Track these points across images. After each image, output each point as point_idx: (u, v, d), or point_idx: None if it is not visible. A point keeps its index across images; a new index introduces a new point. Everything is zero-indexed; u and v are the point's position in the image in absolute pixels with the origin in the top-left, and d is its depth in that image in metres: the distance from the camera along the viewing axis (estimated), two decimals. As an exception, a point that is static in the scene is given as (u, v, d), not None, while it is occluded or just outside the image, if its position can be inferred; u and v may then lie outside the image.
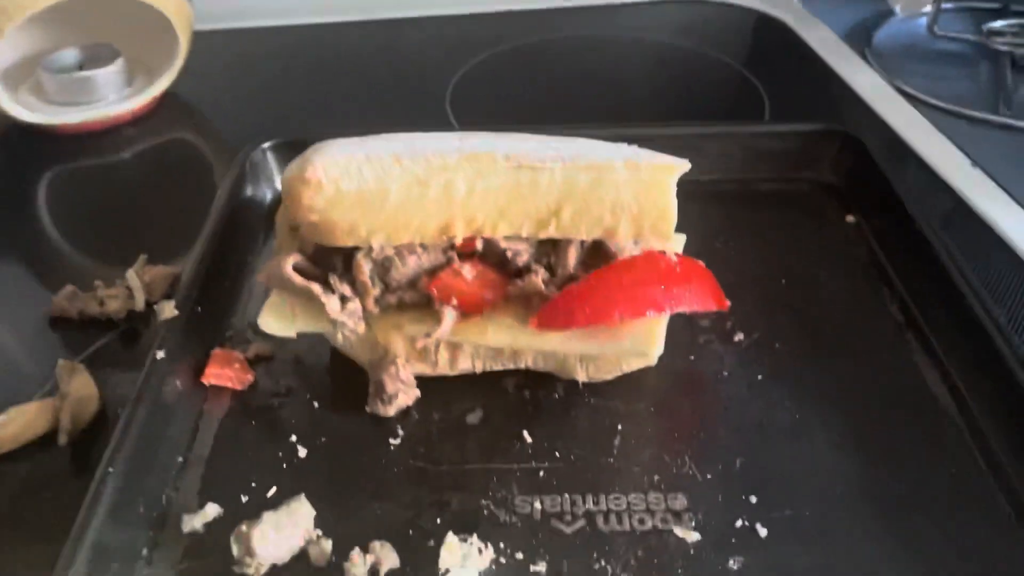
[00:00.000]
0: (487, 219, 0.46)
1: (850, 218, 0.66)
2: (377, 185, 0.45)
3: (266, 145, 0.68)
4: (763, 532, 0.44)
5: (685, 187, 0.49)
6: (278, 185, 0.69)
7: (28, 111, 0.77)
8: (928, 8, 0.92)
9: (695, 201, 0.52)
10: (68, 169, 0.77)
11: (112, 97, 0.80)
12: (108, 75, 0.80)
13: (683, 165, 0.47)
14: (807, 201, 0.68)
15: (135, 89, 0.82)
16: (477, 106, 0.86)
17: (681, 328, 0.54)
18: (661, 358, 0.52)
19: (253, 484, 0.47)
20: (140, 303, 0.58)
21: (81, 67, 0.81)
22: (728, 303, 0.52)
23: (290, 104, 0.88)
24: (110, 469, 0.43)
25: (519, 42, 0.97)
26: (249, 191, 0.67)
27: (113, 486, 0.43)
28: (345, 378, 0.53)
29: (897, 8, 0.94)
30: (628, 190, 0.46)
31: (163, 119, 0.84)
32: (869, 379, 0.53)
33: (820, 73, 0.90)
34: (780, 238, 0.65)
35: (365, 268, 0.48)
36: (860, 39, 0.95)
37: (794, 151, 0.70)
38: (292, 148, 0.68)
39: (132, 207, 0.73)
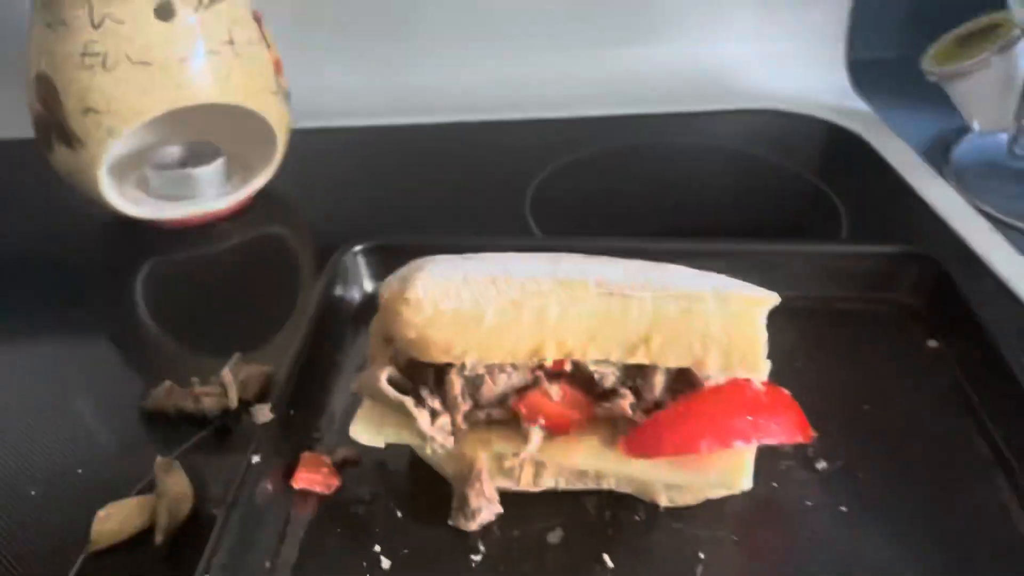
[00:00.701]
0: (577, 343, 0.48)
1: (932, 343, 0.66)
2: (473, 307, 0.47)
3: (356, 249, 0.71)
4: None
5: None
6: (366, 287, 0.72)
7: (133, 204, 0.82)
8: (1009, 127, 0.92)
9: (774, 318, 0.52)
10: (167, 261, 0.81)
11: (211, 193, 0.85)
12: (209, 172, 0.84)
13: (773, 299, 0.48)
14: (887, 323, 0.68)
15: (233, 186, 0.86)
16: (556, 210, 0.88)
17: (762, 453, 0.54)
18: (743, 482, 0.52)
19: (338, 596, 0.48)
20: (234, 402, 0.60)
21: (184, 164, 0.86)
22: (813, 434, 0.52)
23: (375, 203, 0.91)
24: (207, 575, 0.45)
25: (597, 148, 1.00)
26: (339, 291, 0.69)
27: (207, 592, 0.44)
28: (428, 488, 0.54)
29: (976, 125, 0.95)
30: (717, 322, 0.47)
31: (257, 215, 0.88)
32: (956, 517, 0.52)
33: (897, 188, 0.91)
34: (860, 360, 0.64)
35: (457, 385, 0.49)
36: (937, 155, 0.96)
37: (875, 272, 0.70)
38: (381, 252, 0.72)
39: (225, 301, 0.76)
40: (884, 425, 0.59)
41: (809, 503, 0.53)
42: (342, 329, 0.68)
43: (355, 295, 0.72)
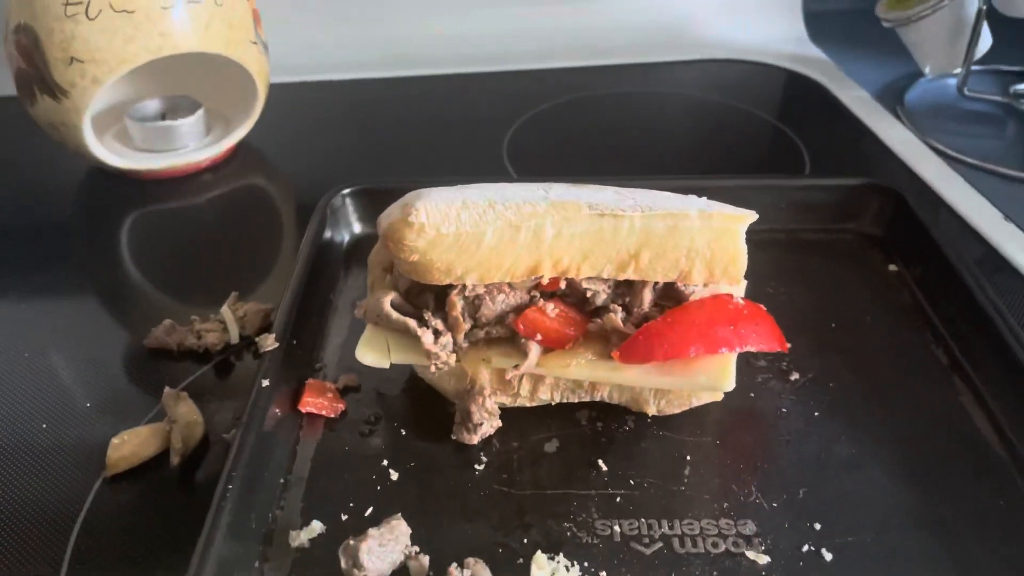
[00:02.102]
0: (572, 261, 0.51)
1: (892, 267, 0.70)
2: (473, 229, 0.50)
3: (345, 191, 0.73)
4: (828, 556, 0.47)
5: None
6: (355, 228, 0.74)
7: (115, 156, 0.82)
8: (958, 70, 0.97)
9: (747, 249, 0.56)
10: (151, 212, 0.83)
11: (192, 145, 0.86)
12: (189, 125, 0.85)
13: (751, 215, 0.51)
14: (851, 251, 0.73)
15: (213, 138, 0.87)
16: (532, 156, 0.91)
17: (741, 367, 0.58)
18: (724, 395, 0.56)
19: (351, 504, 0.51)
20: (235, 336, 0.63)
21: (163, 117, 0.87)
22: (788, 344, 0.56)
23: (356, 154, 0.93)
24: (229, 487, 0.47)
25: (570, 97, 1.03)
26: (329, 234, 0.71)
27: (231, 504, 0.47)
28: (427, 409, 0.58)
29: (927, 70, 0.99)
30: (702, 237, 0.50)
31: (239, 166, 0.89)
32: (919, 417, 0.57)
33: (854, 129, 0.95)
34: (827, 285, 0.69)
35: (458, 305, 0.52)
36: (892, 98, 1.00)
37: (838, 203, 0.74)
38: (368, 195, 0.74)
39: (211, 248, 0.78)
40: (851, 340, 0.63)
41: (784, 410, 0.57)
42: (334, 270, 0.70)
43: (344, 237, 0.74)
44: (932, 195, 0.82)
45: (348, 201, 0.74)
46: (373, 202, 0.74)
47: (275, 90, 0.92)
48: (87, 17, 0.71)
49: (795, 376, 0.60)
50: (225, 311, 0.64)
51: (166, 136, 0.85)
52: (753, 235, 0.56)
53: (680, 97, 1.05)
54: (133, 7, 0.72)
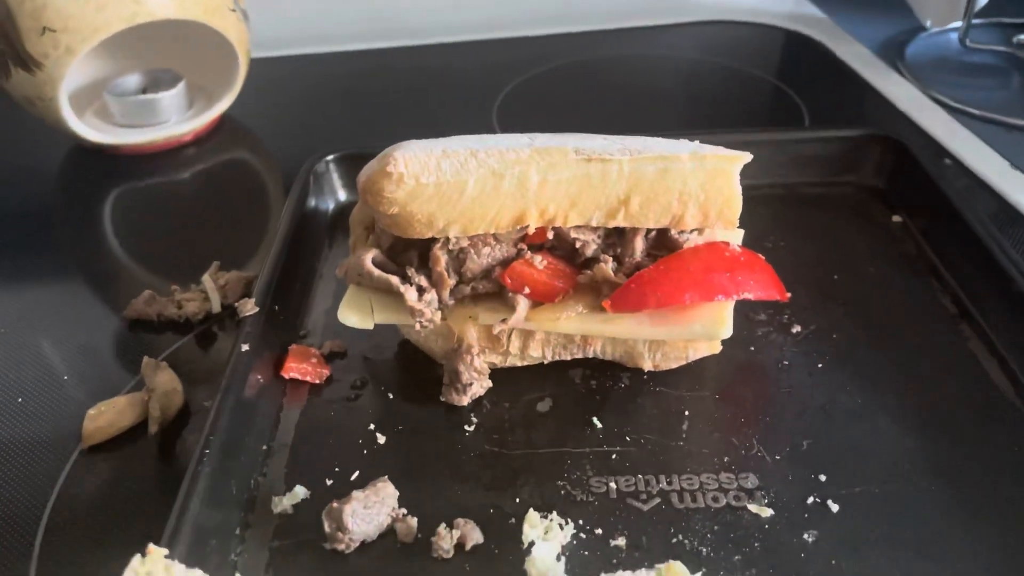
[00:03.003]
0: (559, 209, 0.48)
1: (896, 218, 0.68)
2: (455, 178, 0.48)
3: (329, 157, 0.71)
4: (835, 507, 0.45)
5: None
6: (340, 196, 0.72)
7: (94, 131, 0.80)
8: (959, 23, 0.94)
9: (744, 205, 0.54)
10: (133, 187, 0.80)
11: (174, 119, 0.84)
12: (170, 98, 0.83)
13: (745, 156, 0.49)
14: (853, 203, 0.70)
15: (195, 111, 0.85)
16: (522, 123, 0.88)
17: (740, 321, 0.56)
18: (722, 350, 0.54)
19: (336, 469, 0.49)
20: (216, 305, 0.61)
21: (144, 91, 0.84)
22: (788, 294, 0.54)
23: (342, 126, 0.90)
24: (207, 451, 0.45)
25: (559, 62, 1.00)
26: (312, 202, 0.69)
27: (209, 469, 0.45)
28: (415, 371, 0.56)
29: (928, 23, 0.97)
30: (694, 179, 0.48)
31: (221, 140, 0.87)
32: (927, 365, 0.54)
33: (855, 85, 0.93)
34: (829, 238, 0.66)
35: (442, 259, 0.50)
36: (892, 53, 0.98)
37: (838, 155, 0.72)
38: (353, 160, 0.72)
39: (195, 222, 0.76)
40: (854, 291, 0.61)
41: (786, 362, 0.55)
42: (319, 238, 0.68)
43: (329, 204, 0.72)
44: (936, 147, 0.79)
45: (332, 167, 0.71)
46: (358, 168, 0.70)
47: (258, 65, 0.89)
48: (58, -16, 0.69)
49: (797, 328, 0.57)
50: (206, 280, 0.62)
51: (147, 110, 0.83)
52: (752, 190, 0.54)
53: (676, 60, 1.03)
54: (105, -27, 0.70)
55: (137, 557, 0.35)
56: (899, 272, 0.62)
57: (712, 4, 1.12)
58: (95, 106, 0.85)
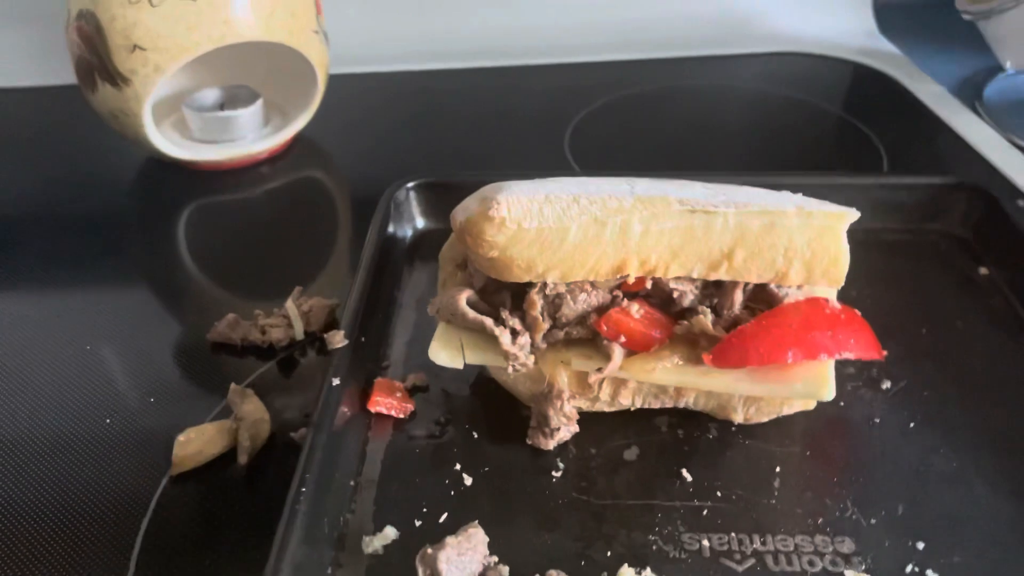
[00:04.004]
0: (660, 260, 0.48)
1: (983, 270, 0.67)
2: (556, 224, 0.47)
3: (409, 185, 0.71)
4: (934, 577, 0.45)
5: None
6: (418, 223, 0.72)
7: (174, 146, 0.81)
8: (1041, 64, 0.93)
9: None
10: (207, 203, 0.81)
11: (250, 136, 0.84)
12: (248, 115, 0.84)
13: (854, 213, 0.48)
14: (937, 253, 0.69)
15: (271, 129, 0.86)
16: (593, 149, 0.88)
17: (828, 374, 0.55)
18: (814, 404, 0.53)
19: (424, 510, 0.49)
20: (299, 332, 0.61)
21: (222, 107, 0.85)
22: (885, 353, 0.53)
23: (414, 147, 0.91)
24: (303, 489, 0.45)
25: (633, 90, 1.00)
26: (391, 229, 0.69)
27: (305, 506, 0.45)
28: (498, 411, 0.55)
29: (1008, 64, 0.95)
30: (801, 236, 0.47)
31: (296, 159, 0.88)
32: (1021, 426, 0.53)
33: (932, 125, 0.91)
34: (913, 288, 0.65)
35: (538, 304, 0.50)
36: (970, 94, 0.96)
37: (923, 203, 0.71)
38: (433, 189, 0.72)
39: (269, 240, 0.76)
40: (943, 346, 0.60)
41: (877, 420, 0.54)
42: (398, 265, 0.68)
43: (408, 232, 0.72)
44: (1015, 191, 0.78)
45: (412, 195, 0.72)
46: (437, 196, 0.72)
47: (332, 81, 0.90)
48: (150, 4, 0.70)
49: (887, 384, 0.56)
50: (290, 306, 0.62)
51: (224, 126, 0.83)
52: None
53: (746, 91, 1.02)
54: (196, -6, 0.71)
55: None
56: (988, 326, 0.61)
57: (784, 35, 1.11)
58: (172, 119, 0.86)
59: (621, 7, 1.11)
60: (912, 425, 0.54)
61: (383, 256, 0.65)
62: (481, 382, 0.58)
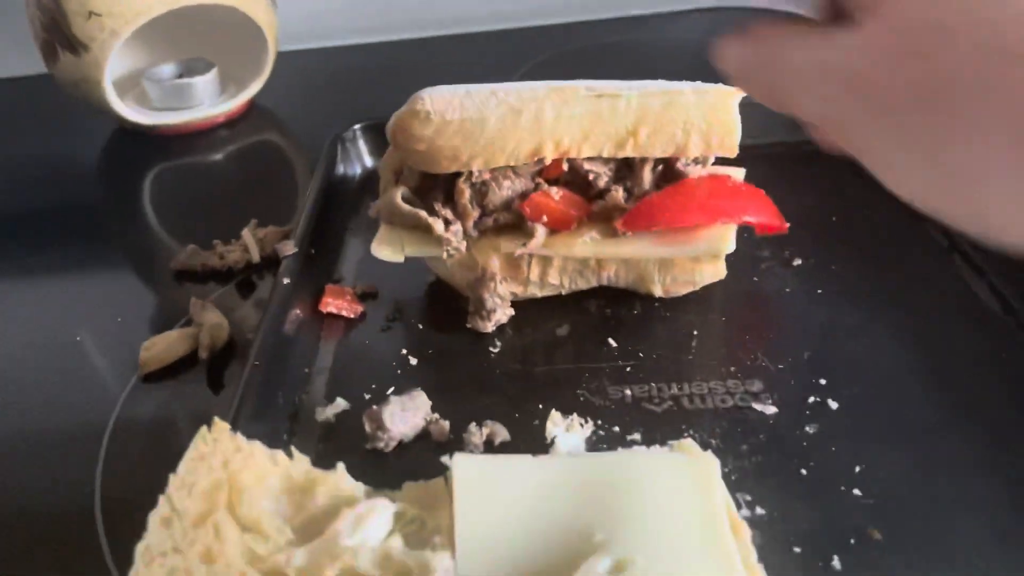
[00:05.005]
0: (573, 141, 0.53)
1: (892, 168, 0.72)
2: (477, 114, 0.52)
3: (356, 126, 0.76)
4: (834, 405, 0.49)
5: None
6: (367, 162, 0.77)
7: (134, 112, 0.86)
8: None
9: (742, 163, 0.58)
10: (171, 166, 0.86)
11: (207, 103, 0.89)
12: (204, 83, 0.88)
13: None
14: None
15: (227, 96, 0.90)
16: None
17: (744, 257, 0.60)
18: (728, 279, 0.58)
19: (373, 385, 0.53)
20: (256, 255, 0.65)
21: (180, 77, 0.90)
22: (787, 225, 0.58)
23: (363, 111, 0.95)
24: (256, 362, 0.49)
25: (565, 49, 1.05)
26: (342, 168, 0.74)
27: (257, 383, 0.49)
28: (443, 305, 0.60)
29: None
30: (697, 110, 0.52)
31: (252, 123, 0.92)
32: (921, 289, 0.58)
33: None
34: (827, 187, 0.70)
35: (466, 192, 0.54)
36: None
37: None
38: (378, 130, 0.76)
39: (230, 195, 0.81)
40: (852, 230, 0.65)
41: (788, 290, 0.59)
42: (349, 198, 0.73)
43: (357, 170, 0.76)
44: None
45: (359, 135, 0.76)
46: (383, 137, 0.75)
47: (285, 57, 0.94)
48: (103, -29, 0.75)
49: (798, 261, 0.61)
50: (246, 233, 0.66)
51: (182, 94, 0.88)
52: (755, 149, 0.59)
53: (683, 46, 1.07)
54: (147, -39, 0.75)
55: (203, 428, 0.40)
56: (894, 213, 0.65)
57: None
58: (134, 93, 0.90)
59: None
60: (820, 292, 0.59)
61: (334, 190, 0.70)
62: (425, 286, 0.62)
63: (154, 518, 0.36)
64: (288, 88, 0.98)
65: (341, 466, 0.41)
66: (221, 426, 0.40)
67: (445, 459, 0.43)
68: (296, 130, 0.93)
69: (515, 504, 0.38)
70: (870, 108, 0.29)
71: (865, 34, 0.29)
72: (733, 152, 0.54)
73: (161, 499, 0.36)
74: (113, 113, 0.84)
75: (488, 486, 0.39)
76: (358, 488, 0.40)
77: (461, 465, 0.39)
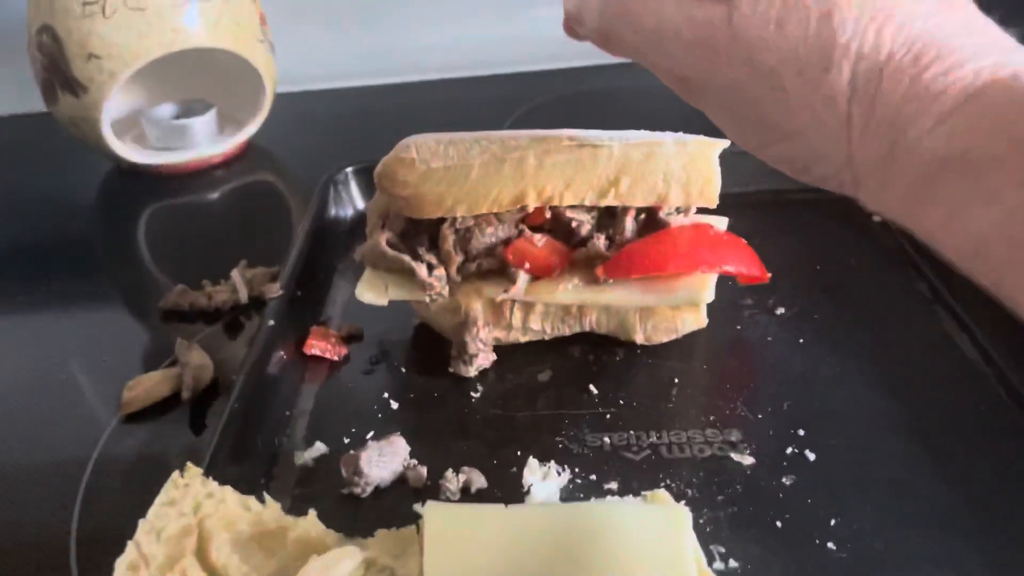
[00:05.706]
0: (555, 190, 0.53)
1: (877, 218, 0.72)
2: (461, 162, 0.53)
3: (348, 169, 0.77)
4: (812, 456, 0.49)
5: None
6: (359, 204, 0.77)
7: (132, 151, 0.87)
8: None
9: (728, 212, 0.59)
10: (166, 205, 0.87)
11: (205, 143, 0.90)
12: (202, 124, 0.90)
13: (724, 142, 0.54)
14: (835, 206, 0.74)
15: (225, 136, 0.91)
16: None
17: (727, 305, 0.60)
18: (711, 326, 0.58)
19: (353, 429, 0.53)
20: (244, 296, 0.66)
21: (178, 118, 0.91)
22: (769, 275, 0.58)
23: (358, 152, 0.96)
24: (236, 405, 0.50)
25: (557, 94, 1.07)
26: (333, 211, 0.75)
27: (236, 425, 0.49)
28: (427, 349, 0.60)
29: None
30: (677, 161, 0.53)
31: (249, 163, 0.93)
32: (903, 341, 0.59)
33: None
34: (811, 235, 0.71)
35: (449, 238, 0.55)
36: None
37: (822, 163, 0.77)
38: (370, 172, 0.77)
39: (224, 234, 0.82)
40: (836, 279, 0.65)
41: (770, 338, 0.59)
42: (339, 240, 0.73)
43: (348, 212, 0.77)
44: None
45: (351, 177, 0.77)
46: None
47: (283, 99, 0.96)
48: (103, 15, 0.76)
49: (781, 310, 0.62)
50: (235, 273, 0.67)
51: (180, 134, 0.89)
52: (739, 197, 0.60)
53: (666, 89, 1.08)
54: (145, 5, 0.77)
55: (176, 473, 0.40)
56: (878, 263, 0.67)
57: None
58: (133, 134, 0.91)
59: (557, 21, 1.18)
60: (801, 341, 0.59)
61: (324, 232, 0.71)
62: (413, 332, 0.62)
63: (121, 564, 0.36)
64: (285, 129, 0.99)
65: (313, 513, 0.41)
66: (193, 471, 0.40)
67: (418, 507, 0.43)
68: (292, 170, 0.94)
69: (484, 554, 0.38)
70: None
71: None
72: (713, 202, 0.54)
73: (129, 544, 0.36)
74: (111, 153, 0.85)
75: (458, 535, 0.39)
76: (329, 535, 0.40)
77: (432, 514, 0.39)
